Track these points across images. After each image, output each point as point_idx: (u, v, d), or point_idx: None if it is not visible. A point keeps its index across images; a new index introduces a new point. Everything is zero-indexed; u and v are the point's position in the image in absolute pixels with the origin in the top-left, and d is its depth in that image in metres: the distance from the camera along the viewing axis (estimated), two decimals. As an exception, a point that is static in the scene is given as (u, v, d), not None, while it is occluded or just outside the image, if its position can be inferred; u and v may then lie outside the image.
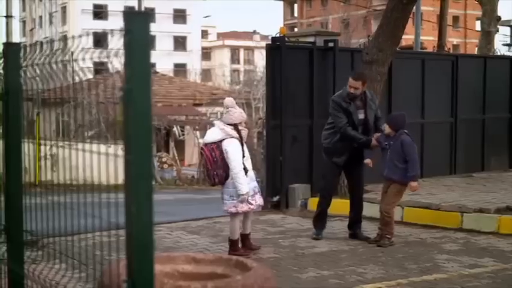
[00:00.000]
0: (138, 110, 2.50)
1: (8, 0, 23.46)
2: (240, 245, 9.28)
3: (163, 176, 30.44)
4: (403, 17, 12.52)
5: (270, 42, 13.28)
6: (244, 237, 9.41)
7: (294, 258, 9.16)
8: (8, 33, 25.06)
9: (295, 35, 14.46)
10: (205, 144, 9.07)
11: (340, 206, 12.45)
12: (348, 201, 12.42)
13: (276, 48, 13.00)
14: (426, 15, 53.81)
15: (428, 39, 48.13)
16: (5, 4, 23.47)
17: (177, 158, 33.64)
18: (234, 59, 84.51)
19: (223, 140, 8.95)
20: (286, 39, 13.34)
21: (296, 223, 11.85)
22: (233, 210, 9.05)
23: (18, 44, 3.66)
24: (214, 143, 8.97)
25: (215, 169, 8.93)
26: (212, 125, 9.78)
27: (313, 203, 12.85)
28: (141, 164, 2.48)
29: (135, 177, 2.46)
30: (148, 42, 2.52)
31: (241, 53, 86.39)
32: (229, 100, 9.36)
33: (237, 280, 3.18)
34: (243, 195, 8.89)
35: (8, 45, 3.71)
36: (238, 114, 9.10)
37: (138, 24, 2.49)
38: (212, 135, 9.08)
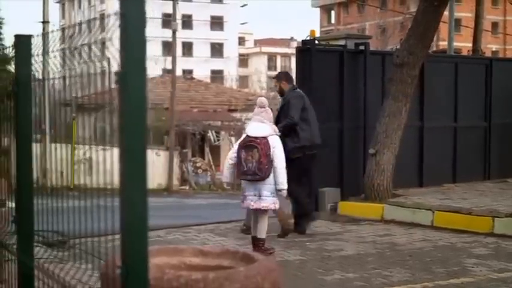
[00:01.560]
0: (133, 94, 2.48)
1: (44, 6, 23.76)
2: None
3: (197, 181, 30.54)
4: (434, 20, 12.39)
5: (300, 45, 13.24)
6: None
7: (320, 261, 9.09)
8: (44, 37, 25.32)
9: (325, 38, 14.39)
10: (256, 138, 8.98)
11: (369, 210, 12.39)
12: (377, 205, 12.37)
13: (306, 51, 12.95)
14: (465, 21, 53.24)
15: (467, 45, 47.58)
16: (42, 10, 23.78)
17: (212, 163, 33.70)
18: (271, 66, 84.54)
19: (270, 136, 9.04)
20: (317, 42, 13.28)
21: (325, 226, 11.77)
22: (273, 206, 9.12)
23: (29, 36, 3.67)
24: (264, 137, 8.98)
25: (267, 163, 8.91)
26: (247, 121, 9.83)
27: (343, 207, 12.79)
28: (136, 148, 2.46)
29: (129, 162, 2.44)
30: (144, 25, 2.51)
31: (278, 59, 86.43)
32: (265, 100, 9.52)
33: (240, 271, 3.15)
34: (285, 190, 9.03)
35: (19, 37, 3.73)
36: (272, 113, 9.33)
37: (133, 7, 2.49)
38: (262, 130, 9.06)
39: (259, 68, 77.08)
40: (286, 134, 10.22)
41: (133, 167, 2.44)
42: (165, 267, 3.34)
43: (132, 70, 2.48)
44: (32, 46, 3.75)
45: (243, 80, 72.69)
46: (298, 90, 10.98)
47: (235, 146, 9.28)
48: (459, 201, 12.22)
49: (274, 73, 69.04)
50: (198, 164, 31.03)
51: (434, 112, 14.66)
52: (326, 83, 13.16)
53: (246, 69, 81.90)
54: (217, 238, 10.76)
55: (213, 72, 72.96)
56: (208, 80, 58.77)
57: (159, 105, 34.01)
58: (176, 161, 29.24)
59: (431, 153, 14.55)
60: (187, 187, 29.47)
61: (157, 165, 28.90)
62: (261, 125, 9.10)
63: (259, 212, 9.16)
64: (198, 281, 3.01)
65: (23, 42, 3.68)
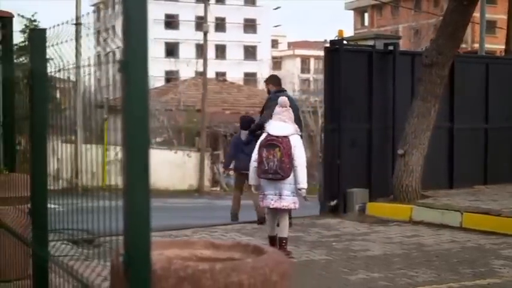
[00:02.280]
0: (135, 83, 2.49)
1: (77, 7, 24.02)
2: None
3: (228, 182, 30.53)
4: (463, 19, 12.27)
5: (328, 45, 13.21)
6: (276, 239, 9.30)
7: (345, 261, 9.04)
8: (77, 40, 25.55)
9: (354, 38, 14.32)
10: (278, 137, 8.92)
11: (397, 210, 12.30)
12: (406, 206, 12.26)
13: (335, 51, 12.91)
14: (500, 23, 52.63)
15: (502, 47, 47.04)
16: (75, 11, 24.03)
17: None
18: (304, 69, 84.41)
19: (291, 135, 8.98)
20: (345, 42, 13.24)
21: (352, 227, 11.71)
22: (293, 206, 9.04)
23: (43, 30, 3.70)
24: (286, 136, 8.92)
25: (288, 162, 8.84)
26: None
27: (371, 207, 12.71)
28: (138, 136, 2.46)
29: (132, 150, 2.44)
30: (146, 14, 2.50)
31: (312, 62, 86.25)
32: (286, 99, 9.50)
33: (247, 262, 3.13)
34: (305, 189, 8.97)
35: (33, 30, 3.76)
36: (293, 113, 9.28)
37: (135, -5, 2.48)
38: (284, 129, 8.99)
39: (292, 70, 76.97)
40: (257, 133, 10.55)
41: (136, 155, 2.44)
42: (175, 259, 3.33)
43: (134, 59, 2.48)
44: (50, 40, 3.77)
45: (276, 83, 72.55)
46: (282, 93, 11.06)
47: (256, 147, 9.16)
48: (489, 203, 12.08)
49: (307, 76, 68.63)
50: (230, 166, 31.03)
51: (464, 113, 14.50)
52: (355, 83, 13.10)
53: (280, 72, 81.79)
54: (244, 238, 10.75)
55: (246, 74, 73.00)
56: (241, 83, 58.85)
57: (190, 107, 34.13)
58: (207, 162, 29.31)
59: (461, 155, 14.40)
60: (218, 188, 29.53)
61: (189, 166, 29.01)
62: (283, 124, 9.04)
63: (279, 211, 9.11)
64: (204, 271, 3.00)
65: (38, 35, 3.71)
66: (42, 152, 3.72)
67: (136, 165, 2.44)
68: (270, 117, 10.35)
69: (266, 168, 8.89)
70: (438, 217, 11.59)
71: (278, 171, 8.84)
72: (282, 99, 9.46)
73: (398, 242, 10.36)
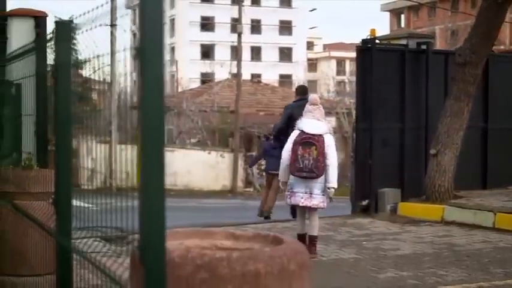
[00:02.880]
0: (151, 70, 2.50)
1: (112, 10, 24.18)
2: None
3: (262, 183, 30.54)
4: (497, 17, 12.13)
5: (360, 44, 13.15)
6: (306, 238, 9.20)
7: (375, 260, 9.00)
8: (112, 41, 25.83)
9: (387, 38, 14.23)
10: (314, 135, 8.82)
11: (429, 211, 12.21)
12: (438, 206, 12.17)
13: (367, 50, 12.86)
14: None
15: (541, 48, 46.37)
16: (110, 13, 24.22)
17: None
18: (340, 71, 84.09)
19: (325, 134, 8.90)
20: (378, 41, 13.17)
21: (383, 227, 11.65)
22: (322, 205, 8.96)
23: (69, 22, 3.75)
24: (321, 135, 8.84)
25: (323, 161, 8.77)
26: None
27: (403, 207, 12.63)
28: (154, 126, 2.48)
29: (147, 137, 2.47)
30: (162, 1, 2.52)
31: (347, 64, 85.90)
32: (317, 97, 9.55)
33: (264, 251, 3.14)
34: (335, 188, 8.92)
35: (58, 22, 3.81)
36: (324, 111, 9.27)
37: (151, -17, 2.50)
38: (319, 127, 8.91)
39: (327, 72, 76.78)
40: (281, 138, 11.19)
41: (151, 142, 2.46)
42: (193, 248, 3.35)
43: (150, 46, 2.50)
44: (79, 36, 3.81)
45: (312, 85, 72.38)
46: (298, 101, 11.74)
47: (289, 144, 9.01)
48: (523, 203, 11.93)
49: (343, 78, 68.25)
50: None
51: (499, 113, 14.34)
52: (387, 82, 13.03)
53: (315, 74, 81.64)
54: (274, 236, 10.74)
55: (282, 76, 72.97)
56: (276, 85, 58.80)
57: (224, 108, 34.20)
58: (241, 163, 29.34)
59: (495, 155, 14.23)
60: (251, 189, 29.55)
61: (222, 167, 29.06)
62: (318, 122, 8.94)
63: (309, 210, 9.05)
64: (221, 259, 3.01)
65: (62, 27, 3.76)
66: (67, 139, 3.77)
67: (151, 146, 2.47)
68: (284, 124, 10.66)
69: (301, 166, 8.77)
70: (470, 217, 11.47)
71: (313, 169, 8.73)
72: (312, 96, 9.47)
73: (429, 241, 10.29)
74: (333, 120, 38.66)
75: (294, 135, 9.02)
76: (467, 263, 8.80)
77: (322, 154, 8.74)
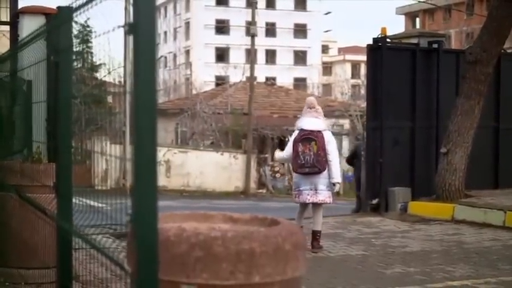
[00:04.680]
0: (143, 44, 2.53)
1: (126, 12, 24.32)
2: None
3: (275, 185, 30.58)
4: (509, 15, 12.07)
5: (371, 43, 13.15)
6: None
7: (382, 256, 8.99)
8: (126, 44, 25.90)
9: (398, 37, 14.21)
10: (312, 131, 9.04)
11: (439, 209, 12.18)
12: (448, 205, 12.14)
13: (377, 49, 12.85)
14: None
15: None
16: (124, 15, 24.35)
17: (290, 167, 33.68)
18: (355, 74, 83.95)
19: (324, 131, 9.16)
20: (388, 40, 13.17)
21: (393, 225, 11.63)
22: (328, 200, 9.13)
23: (70, 8, 3.78)
24: (320, 131, 9.06)
25: (324, 155, 8.98)
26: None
27: (413, 206, 12.61)
28: (146, 97, 2.50)
29: (140, 112, 2.49)
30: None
31: (362, 67, 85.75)
32: (314, 99, 9.77)
33: (259, 231, 3.16)
34: (339, 183, 9.24)
35: (60, 7, 3.86)
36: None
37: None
38: (317, 124, 9.14)
39: (342, 76, 76.73)
40: None
41: (145, 117, 2.49)
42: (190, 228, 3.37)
43: (142, 20, 2.53)
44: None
45: (327, 88, 72.36)
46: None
47: (290, 143, 9.28)
48: (534, 202, 11.88)
49: (357, 81, 67.97)
50: (276, 169, 31.05)
51: (510, 112, 14.27)
52: (398, 81, 13.02)
53: (330, 77, 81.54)
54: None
55: (296, 80, 72.95)
56: (291, 88, 58.77)
57: (238, 110, 34.24)
58: (253, 164, 29.35)
59: (507, 155, 14.18)
60: (264, 190, 29.56)
61: (235, 168, 29.06)
62: (316, 120, 9.17)
63: (313, 206, 9.19)
64: (216, 238, 3.03)
65: (63, 12, 3.80)
66: (68, 121, 3.81)
67: (144, 120, 2.50)
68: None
69: (303, 162, 8.98)
70: (481, 216, 11.43)
71: (315, 164, 8.93)
72: (309, 99, 9.80)
73: (439, 239, 10.27)
74: (346, 123, 38.67)
75: (294, 134, 9.31)
76: (476, 259, 8.78)
77: (322, 149, 8.96)
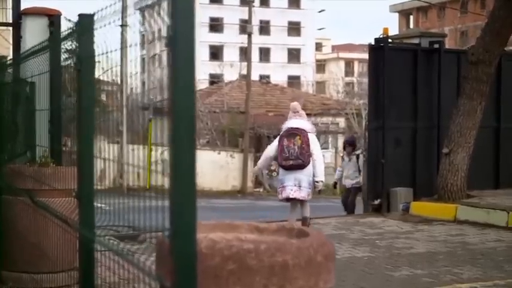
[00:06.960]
0: (182, 57, 2.51)
1: (123, 10, 24.24)
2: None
3: (271, 183, 30.50)
4: (511, 16, 12.07)
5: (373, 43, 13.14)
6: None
7: (389, 258, 8.99)
8: (123, 42, 25.82)
9: (399, 37, 14.21)
10: (297, 128, 9.75)
11: (441, 210, 12.19)
12: (450, 206, 12.14)
13: (379, 49, 12.84)
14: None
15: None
16: (121, 13, 24.26)
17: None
18: (348, 72, 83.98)
19: (309, 132, 9.88)
20: (390, 40, 13.16)
21: (396, 226, 11.63)
22: (308, 198, 9.94)
23: (91, 15, 3.75)
24: (304, 130, 9.77)
25: (308, 150, 9.70)
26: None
27: (415, 207, 12.60)
28: (185, 107, 2.48)
29: (178, 119, 2.46)
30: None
31: (356, 65, 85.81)
32: (297, 104, 10.55)
33: (292, 243, 3.14)
34: (322, 181, 9.98)
35: (81, 15, 3.83)
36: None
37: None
38: (303, 124, 9.90)
39: (336, 73, 76.78)
40: None
41: (182, 124, 2.46)
42: (222, 240, 3.35)
43: (181, 34, 2.50)
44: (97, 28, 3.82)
45: (320, 86, 72.39)
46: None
47: (275, 141, 10.01)
48: (537, 202, 11.89)
49: (351, 79, 68.13)
50: (273, 167, 30.98)
51: (512, 112, 14.30)
52: (399, 81, 13.02)
53: (324, 75, 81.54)
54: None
55: (290, 77, 72.88)
56: (285, 86, 58.73)
57: (234, 109, 34.18)
58: (250, 163, 29.30)
59: (508, 155, 14.19)
60: (261, 189, 29.52)
61: (232, 167, 29.03)
62: (301, 121, 9.94)
63: (298, 201, 9.94)
64: (249, 250, 3.00)
65: (85, 19, 3.77)
66: (90, 131, 3.77)
67: (182, 132, 2.47)
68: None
69: (287, 155, 9.66)
70: (483, 216, 11.44)
71: (299, 156, 9.59)
72: (293, 104, 10.41)
73: (443, 240, 10.27)
74: (342, 121, 38.68)
75: (281, 133, 10.07)
76: (482, 261, 8.78)
77: (306, 143, 9.66)
